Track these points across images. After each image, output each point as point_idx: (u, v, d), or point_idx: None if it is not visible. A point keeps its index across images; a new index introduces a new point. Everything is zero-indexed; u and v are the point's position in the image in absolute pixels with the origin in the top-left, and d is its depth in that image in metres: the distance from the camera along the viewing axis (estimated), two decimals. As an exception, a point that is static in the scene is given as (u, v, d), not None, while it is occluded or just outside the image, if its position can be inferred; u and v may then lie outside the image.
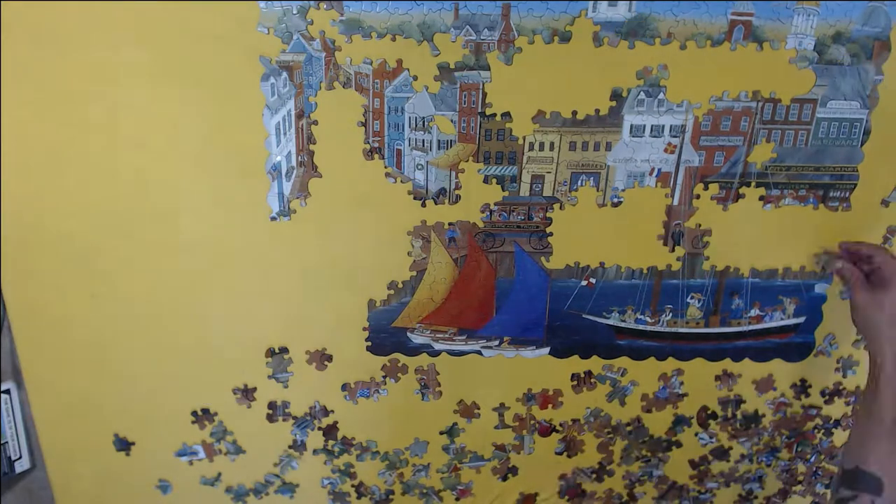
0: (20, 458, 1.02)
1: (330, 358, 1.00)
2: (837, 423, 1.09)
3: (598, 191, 0.92)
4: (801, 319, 1.00)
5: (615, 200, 0.92)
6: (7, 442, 1.00)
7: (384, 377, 1.02)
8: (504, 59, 0.83)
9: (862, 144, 0.90)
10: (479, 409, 1.05)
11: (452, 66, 0.83)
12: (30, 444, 1.03)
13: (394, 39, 0.82)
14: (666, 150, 0.90)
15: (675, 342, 1.01)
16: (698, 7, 0.82)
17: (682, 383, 1.04)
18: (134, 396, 1.01)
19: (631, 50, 0.82)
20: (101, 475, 1.07)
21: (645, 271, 0.96)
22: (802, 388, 1.06)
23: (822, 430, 1.10)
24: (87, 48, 0.80)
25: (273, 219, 0.91)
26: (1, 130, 0.84)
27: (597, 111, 0.86)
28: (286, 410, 1.03)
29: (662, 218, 0.92)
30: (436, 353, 1.01)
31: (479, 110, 0.86)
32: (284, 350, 0.99)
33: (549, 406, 1.05)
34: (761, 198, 0.92)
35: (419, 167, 0.89)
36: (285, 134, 0.87)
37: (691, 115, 0.87)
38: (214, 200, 0.89)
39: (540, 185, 0.91)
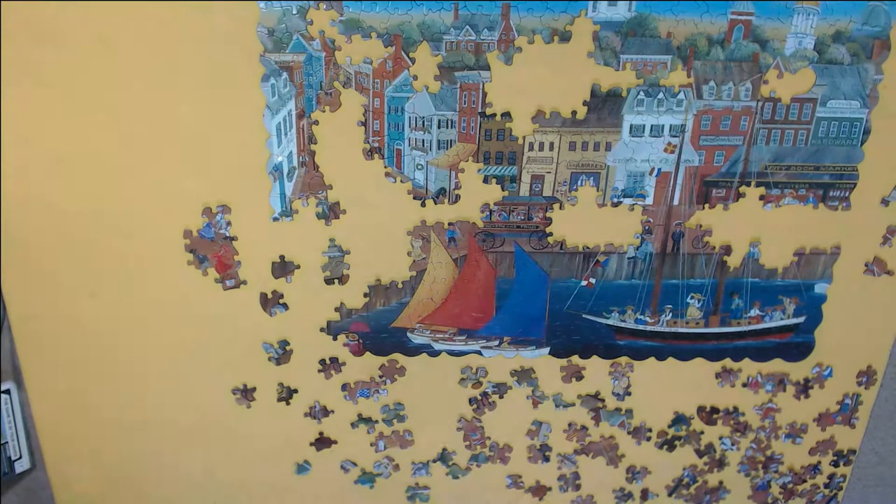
0: (20, 458, 1.02)
1: (330, 358, 1.00)
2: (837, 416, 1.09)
3: (598, 191, 0.92)
4: (801, 319, 1.00)
5: (615, 200, 0.92)
6: (7, 442, 1.00)
7: (382, 377, 1.02)
8: (504, 59, 0.83)
9: (862, 144, 0.90)
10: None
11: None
12: (30, 444, 1.03)
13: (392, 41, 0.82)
14: (666, 150, 0.90)
15: (675, 342, 1.01)
16: (698, 7, 0.82)
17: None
18: (134, 396, 1.01)
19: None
20: (101, 475, 1.07)
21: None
22: (804, 388, 1.06)
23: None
24: (87, 48, 0.80)
25: (275, 219, 0.91)
26: (1, 130, 0.84)
27: (596, 111, 0.86)
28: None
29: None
30: (435, 354, 1.01)
31: (479, 110, 0.86)
32: (285, 343, 0.99)
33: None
34: (761, 197, 0.92)
35: (419, 167, 0.89)
36: (286, 134, 0.87)
37: (691, 115, 0.87)
38: (215, 201, 0.89)
39: (540, 185, 0.91)
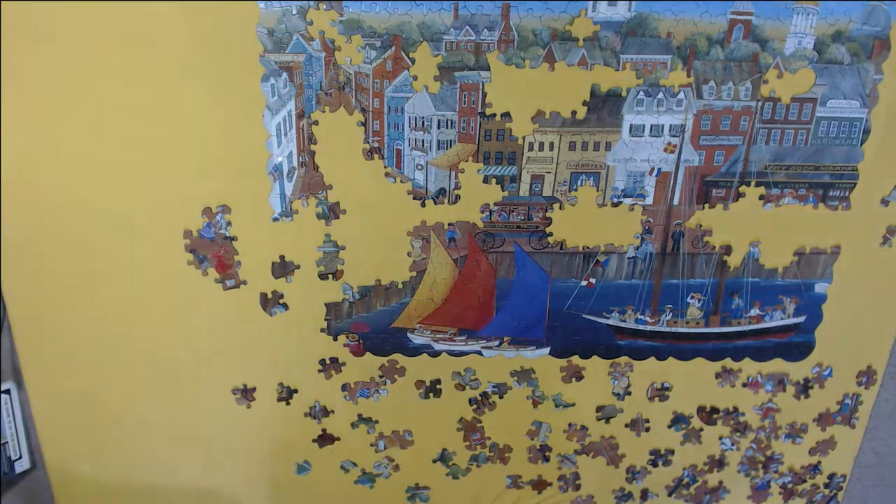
0: (20, 458, 1.02)
1: (331, 358, 1.00)
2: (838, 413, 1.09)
3: (598, 191, 0.92)
4: (802, 319, 1.00)
5: (615, 200, 0.92)
6: (7, 442, 1.00)
7: (381, 377, 1.02)
8: (504, 59, 0.83)
9: (862, 143, 0.90)
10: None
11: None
12: (30, 444, 1.03)
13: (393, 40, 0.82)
14: (666, 150, 0.90)
15: (675, 342, 1.01)
16: (698, 6, 0.82)
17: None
18: (134, 396, 1.01)
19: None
20: (101, 475, 1.07)
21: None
22: (804, 388, 1.06)
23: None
24: (87, 48, 0.80)
25: (275, 219, 0.91)
26: (1, 130, 0.84)
27: (596, 111, 0.86)
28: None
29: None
30: (436, 354, 1.01)
31: (479, 110, 0.86)
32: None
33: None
34: (761, 197, 0.92)
35: (419, 167, 0.89)
36: (286, 135, 0.87)
37: (691, 115, 0.88)
38: (215, 201, 0.89)
39: (539, 185, 0.91)
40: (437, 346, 1.00)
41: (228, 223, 0.91)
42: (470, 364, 1.02)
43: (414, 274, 0.95)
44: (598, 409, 1.06)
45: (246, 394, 1.02)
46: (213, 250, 0.92)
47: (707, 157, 0.90)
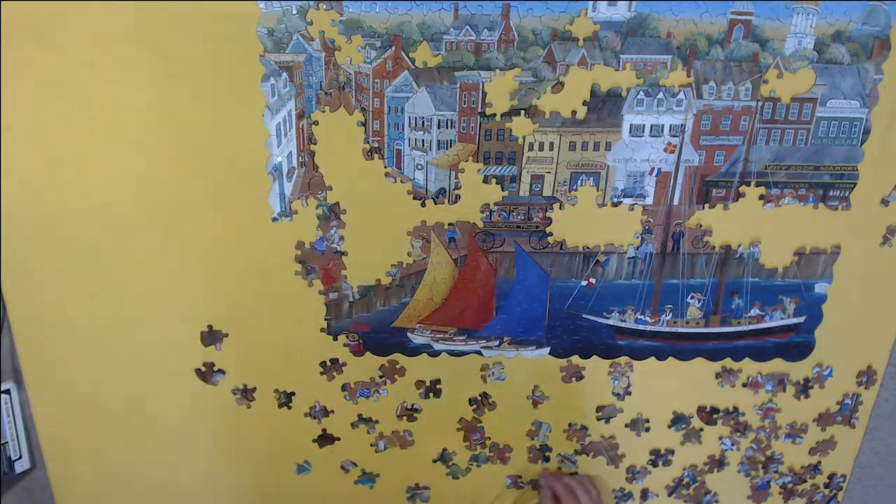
0: (20, 458, 1.02)
1: (331, 360, 1.00)
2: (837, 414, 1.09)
3: (597, 191, 0.92)
4: (802, 319, 1.00)
5: (615, 200, 0.92)
6: (7, 442, 1.00)
7: (381, 377, 1.02)
8: (504, 59, 0.83)
9: (862, 143, 0.90)
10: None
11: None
12: (30, 444, 1.03)
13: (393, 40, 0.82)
14: (666, 150, 0.90)
15: (675, 342, 1.01)
16: (698, 6, 0.82)
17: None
18: (134, 396, 1.01)
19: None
20: (101, 475, 1.07)
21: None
22: (804, 388, 1.06)
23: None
24: (87, 48, 0.80)
25: (274, 219, 0.91)
26: (1, 130, 0.84)
27: (596, 111, 0.86)
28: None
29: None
30: (436, 354, 1.01)
31: (479, 110, 0.86)
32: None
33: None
34: (761, 197, 0.92)
35: (419, 167, 0.89)
36: (286, 134, 0.87)
37: (691, 115, 0.88)
38: (215, 201, 0.89)
39: (539, 185, 0.91)
40: (437, 346, 1.00)
41: (341, 238, 0.91)
42: (470, 364, 1.02)
43: (411, 261, 0.94)
44: (598, 409, 1.06)
45: (246, 394, 1.02)
46: (322, 263, 0.92)
47: (707, 157, 0.90)
